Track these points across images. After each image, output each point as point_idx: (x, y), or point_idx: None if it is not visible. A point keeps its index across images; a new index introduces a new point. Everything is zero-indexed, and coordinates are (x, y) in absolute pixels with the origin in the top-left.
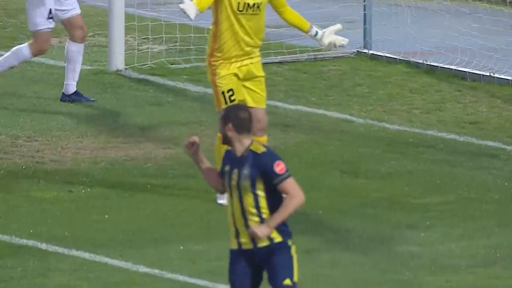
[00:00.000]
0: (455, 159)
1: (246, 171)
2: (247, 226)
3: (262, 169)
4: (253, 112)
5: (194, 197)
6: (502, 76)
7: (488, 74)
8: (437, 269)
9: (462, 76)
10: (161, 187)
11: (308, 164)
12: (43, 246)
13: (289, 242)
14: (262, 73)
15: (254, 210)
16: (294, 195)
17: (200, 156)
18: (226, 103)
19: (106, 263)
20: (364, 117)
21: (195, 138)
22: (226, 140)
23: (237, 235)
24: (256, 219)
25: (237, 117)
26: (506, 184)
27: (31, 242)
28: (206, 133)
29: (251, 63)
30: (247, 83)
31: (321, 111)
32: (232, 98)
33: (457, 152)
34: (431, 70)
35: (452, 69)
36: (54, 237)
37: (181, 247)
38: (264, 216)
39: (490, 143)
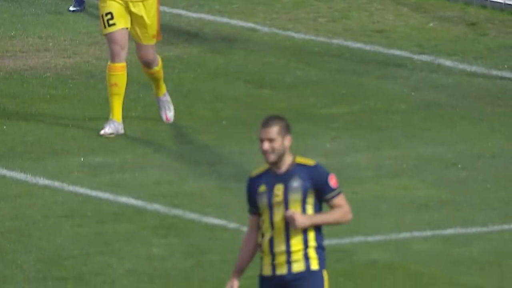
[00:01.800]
0: (361, 69)
1: (296, 183)
2: (288, 250)
3: (317, 182)
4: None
5: (95, 108)
6: None
7: None
8: (343, 180)
9: None
10: (61, 97)
11: (211, 74)
12: None
13: (324, 273)
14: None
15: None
16: (346, 211)
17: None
18: (105, 26)
19: (5, 175)
20: (269, 26)
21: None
22: (275, 157)
23: (273, 258)
24: (300, 237)
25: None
26: (412, 94)
27: None
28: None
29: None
30: (134, 19)
31: (224, 20)
32: (111, 22)
33: (363, 61)
34: None
35: None
36: None
37: (82, 159)
38: (309, 237)
39: (397, 52)
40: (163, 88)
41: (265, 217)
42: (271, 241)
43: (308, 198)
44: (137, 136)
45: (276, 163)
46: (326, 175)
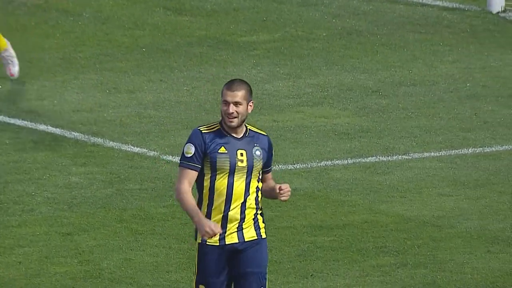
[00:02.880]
0: None
1: (258, 152)
2: (242, 216)
3: (269, 153)
4: None
5: (13, 35)
6: None
7: None
8: (264, 108)
9: None
10: None
11: (130, 0)
12: None
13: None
14: None
15: (254, 196)
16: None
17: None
18: None
19: None
20: None
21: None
22: (238, 121)
23: (224, 226)
24: (254, 206)
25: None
26: (333, 21)
27: None
28: None
29: None
30: None
31: None
32: None
33: None
34: None
35: None
36: None
37: (0, 87)
38: (259, 204)
39: None
40: (4, 44)
41: (222, 181)
42: (226, 207)
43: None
44: (56, 62)
45: (237, 128)
46: (272, 148)
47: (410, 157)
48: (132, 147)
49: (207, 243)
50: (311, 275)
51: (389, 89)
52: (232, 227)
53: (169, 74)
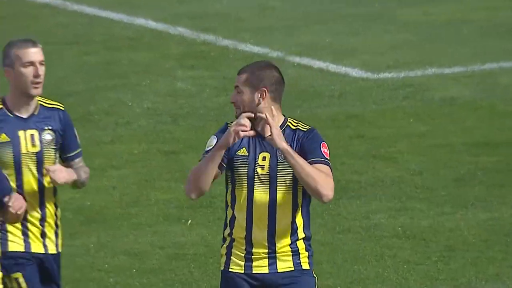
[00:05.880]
0: None
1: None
2: (271, 233)
3: (307, 146)
4: None
5: None
6: None
7: None
8: None
9: None
10: None
11: None
12: None
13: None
14: None
15: (290, 207)
16: (328, 178)
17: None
18: None
19: None
20: None
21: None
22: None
23: (249, 250)
24: (288, 221)
25: (272, 78)
26: None
27: None
28: None
29: None
30: None
31: None
32: None
33: None
34: None
35: None
36: None
37: None
38: (298, 226)
39: None
40: None
41: (239, 188)
42: (247, 221)
43: None
44: None
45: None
46: (319, 141)
47: None
48: (250, 46)
49: (230, 269)
50: (471, 204)
51: None
52: (259, 252)
53: None
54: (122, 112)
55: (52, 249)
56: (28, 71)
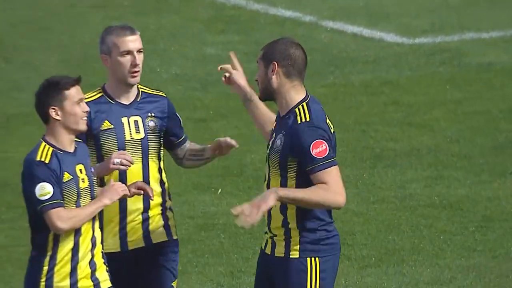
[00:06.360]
0: None
1: (278, 140)
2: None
3: (296, 145)
4: None
5: None
6: None
7: None
8: None
9: None
10: None
11: None
12: None
13: (309, 262)
14: None
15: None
16: (331, 189)
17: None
18: None
19: None
20: None
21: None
22: (265, 91)
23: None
24: (279, 217)
25: (285, 52)
26: None
27: None
28: None
29: None
30: None
31: None
32: None
33: None
34: None
35: None
36: None
37: None
38: (289, 219)
39: None
40: None
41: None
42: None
43: (290, 164)
44: None
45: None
46: (310, 139)
47: None
48: (282, 10)
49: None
50: (510, 173)
51: None
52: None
53: None
54: (149, 78)
55: (165, 237)
56: (126, 60)
